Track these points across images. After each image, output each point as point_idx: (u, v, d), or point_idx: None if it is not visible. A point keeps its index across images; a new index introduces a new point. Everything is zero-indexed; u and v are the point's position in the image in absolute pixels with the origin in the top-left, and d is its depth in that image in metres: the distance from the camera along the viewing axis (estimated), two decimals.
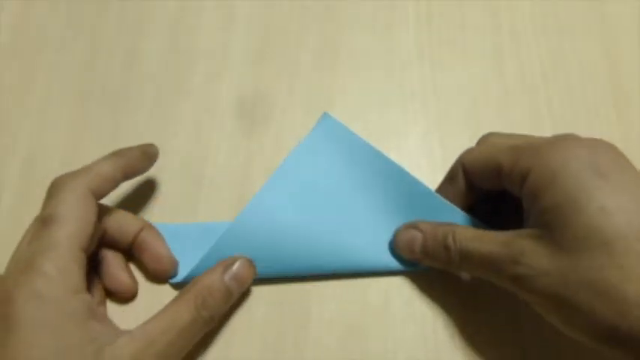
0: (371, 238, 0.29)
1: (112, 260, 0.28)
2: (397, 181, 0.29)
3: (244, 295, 0.29)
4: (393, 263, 0.29)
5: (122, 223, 0.28)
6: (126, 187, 0.31)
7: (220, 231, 0.28)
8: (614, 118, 0.33)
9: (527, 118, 0.33)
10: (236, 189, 0.31)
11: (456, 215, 0.28)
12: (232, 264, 0.26)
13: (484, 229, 0.25)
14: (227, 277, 0.26)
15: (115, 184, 0.26)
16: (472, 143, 0.33)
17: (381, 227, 0.29)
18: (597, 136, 0.32)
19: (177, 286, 0.29)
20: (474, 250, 0.24)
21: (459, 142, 0.33)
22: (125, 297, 0.28)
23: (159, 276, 0.29)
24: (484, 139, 0.28)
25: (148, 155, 0.29)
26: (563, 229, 0.21)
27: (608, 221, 0.20)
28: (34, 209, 0.31)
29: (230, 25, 0.36)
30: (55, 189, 0.25)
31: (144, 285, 0.29)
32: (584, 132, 0.33)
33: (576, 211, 0.21)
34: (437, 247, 0.26)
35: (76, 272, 0.23)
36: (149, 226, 0.29)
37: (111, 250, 0.28)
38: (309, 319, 0.29)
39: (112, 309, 0.28)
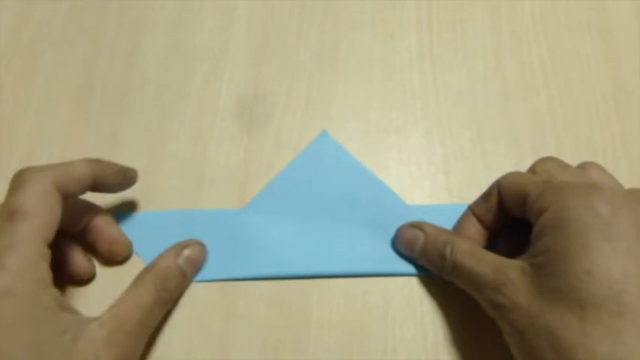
0: (352, 247, 0.30)
1: (68, 246, 0.28)
2: (384, 199, 0.31)
3: (244, 294, 0.29)
4: (371, 270, 0.29)
5: (74, 209, 0.28)
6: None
7: (201, 218, 0.30)
8: (614, 118, 0.33)
9: (528, 118, 0.33)
10: (236, 189, 0.31)
11: None
12: (184, 247, 0.28)
13: (482, 248, 0.26)
14: (180, 260, 0.28)
15: (83, 188, 0.26)
16: (472, 143, 0.33)
17: (363, 238, 0.30)
18: (597, 136, 0.33)
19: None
20: (467, 267, 0.25)
21: (459, 141, 0.33)
22: (85, 279, 0.29)
23: (114, 258, 0.29)
24: (536, 164, 0.28)
25: (124, 175, 0.28)
26: (549, 276, 0.22)
27: (589, 286, 0.21)
28: None
29: (230, 25, 0.36)
30: (20, 180, 0.24)
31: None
32: (584, 132, 0.33)
33: (566, 264, 0.21)
34: (434, 253, 0.27)
35: (43, 267, 0.23)
36: (101, 211, 0.29)
37: (65, 237, 0.28)
38: (309, 319, 0.29)
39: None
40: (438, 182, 0.32)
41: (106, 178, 0.27)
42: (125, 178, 0.29)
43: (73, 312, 0.24)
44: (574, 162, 0.32)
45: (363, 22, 0.36)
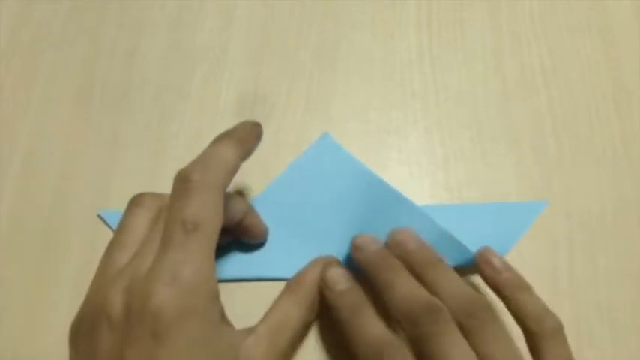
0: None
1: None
2: (389, 200, 0.29)
3: (244, 294, 0.29)
4: None
5: (231, 208, 0.27)
6: (124, 187, 0.31)
7: None
8: (614, 118, 0.33)
9: (528, 118, 0.33)
10: (236, 189, 0.31)
11: (439, 233, 0.28)
12: (327, 264, 0.27)
13: None
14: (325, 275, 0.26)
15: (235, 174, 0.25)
16: (472, 143, 0.33)
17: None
18: (597, 136, 0.33)
19: None
20: None
21: (459, 141, 0.33)
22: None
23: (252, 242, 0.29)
24: None
25: (258, 137, 0.27)
26: None
27: None
28: (34, 209, 0.31)
29: (230, 25, 0.36)
30: (190, 186, 0.22)
31: None
32: (584, 132, 0.33)
33: None
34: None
35: (213, 279, 0.22)
36: (253, 211, 0.28)
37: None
38: None
39: None
40: (438, 182, 0.32)
41: (249, 152, 0.26)
42: (259, 139, 0.27)
43: (230, 324, 0.23)
44: (574, 162, 0.32)
45: (363, 22, 0.36)
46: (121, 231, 0.24)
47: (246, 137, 0.26)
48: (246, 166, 0.32)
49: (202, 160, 0.24)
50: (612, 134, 0.33)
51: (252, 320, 0.29)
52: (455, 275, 0.26)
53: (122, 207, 0.30)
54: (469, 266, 0.29)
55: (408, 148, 0.33)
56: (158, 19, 0.36)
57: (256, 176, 0.32)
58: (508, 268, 0.26)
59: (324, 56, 0.35)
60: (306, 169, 0.31)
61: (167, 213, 0.23)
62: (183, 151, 0.32)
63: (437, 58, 0.35)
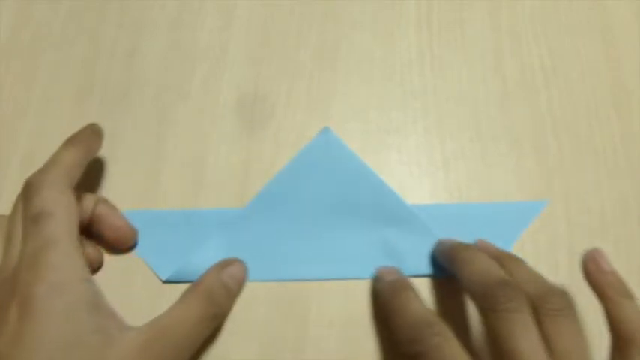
0: (352, 248, 0.30)
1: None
2: (383, 198, 0.30)
3: (244, 294, 0.29)
4: (370, 272, 0.29)
5: (79, 201, 0.28)
6: (125, 186, 0.31)
7: (202, 218, 0.30)
8: (614, 118, 0.33)
9: (528, 118, 0.33)
10: (236, 189, 0.31)
11: (430, 235, 0.29)
12: (227, 265, 0.28)
13: None
14: (224, 276, 0.27)
15: (82, 170, 0.27)
16: (472, 143, 0.33)
17: (361, 238, 0.30)
18: (597, 136, 0.33)
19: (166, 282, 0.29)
20: None
21: (459, 141, 0.33)
22: (94, 268, 0.29)
23: (119, 246, 0.29)
24: None
25: (97, 134, 0.29)
26: None
27: None
28: None
29: (230, 25, 0.36)
30: (32, 188, 0.25)
31: (140, 285, 0.29)
32: (584, 132, 0.33)
33: None
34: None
35: (79, 261, 0.24)
36: (103, 200, 0.29)
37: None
38: (308, 319, 0.29)
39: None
40: (438, 182, 0.32)
41: (91, 148, 0.28)
42: (99, 136, 0.29)
43: (111, 313, 0.24)
44: (574, 162, 0.32)
45: (363, 22, 0.36)
46: None
47: (83, 137, 0.28)
48: (246, 166, 0.32)
49: (43, 166, 0.26)
50: (612, 134, 0.33)
51: (250, 319, 0.29)
52: (535, 271, 0.25)
53: (123, 207, 0.31)
54: None
55: (408, 148, 0.33)
56: (158, 19, 0.36)
57: (256, 176, 0.32)
58: (615, 272, 0.24)
59: (324, 56, 0.35)
60: (306, 164, 0.31)
61: (22, 219, 0.25)
62: (183, 151, 0.32)
63: (437, 58, 0.35)
